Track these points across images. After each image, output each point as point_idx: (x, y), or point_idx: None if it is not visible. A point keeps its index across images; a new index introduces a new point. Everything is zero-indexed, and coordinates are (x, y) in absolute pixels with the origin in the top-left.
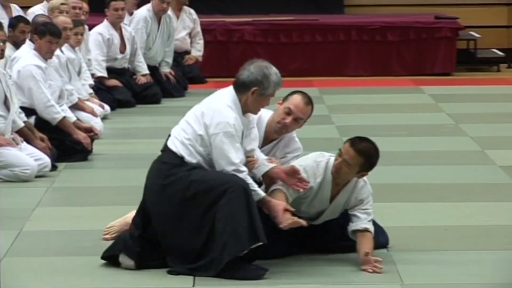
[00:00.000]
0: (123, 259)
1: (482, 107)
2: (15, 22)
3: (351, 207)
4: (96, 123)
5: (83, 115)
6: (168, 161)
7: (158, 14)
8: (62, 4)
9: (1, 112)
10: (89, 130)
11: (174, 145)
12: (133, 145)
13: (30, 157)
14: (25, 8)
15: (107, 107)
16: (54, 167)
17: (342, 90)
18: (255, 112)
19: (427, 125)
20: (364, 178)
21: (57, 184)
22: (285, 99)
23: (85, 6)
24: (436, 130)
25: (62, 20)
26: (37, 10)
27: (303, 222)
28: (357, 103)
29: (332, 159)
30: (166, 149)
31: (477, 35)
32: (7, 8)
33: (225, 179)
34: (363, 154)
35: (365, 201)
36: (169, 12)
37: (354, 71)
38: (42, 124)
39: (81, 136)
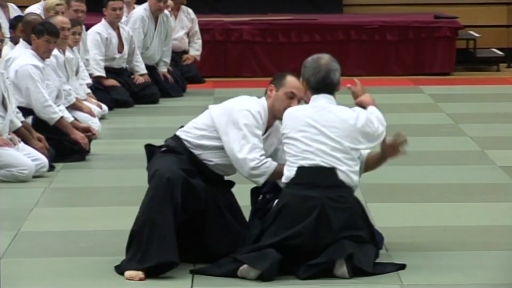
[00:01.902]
0: (249, 270)
1: (482, 107)
2: (14, 22)
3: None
4: (94, 123)
5: (81, 115)
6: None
7: (155, 14)
8: (57, 5)
9: None
10: (86, 130)
11: (349, 178)
12: (131, 145)
13: (28, 157)
14: (22, 7)
15: (105, 107)
16: (51, 168)
17: (341, 90)
18: None
19: (427, 125)
20: None
21: (55, 184)
22: (277, 85)
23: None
24: (436, 130)
25: (60, 20)
26: (34, 9)
27: None
28: None
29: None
30: (338, 185)
31: (477, 35)
32: (4, 8)
33: None
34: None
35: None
36: (166, 11)
37: (353, 71)
38: (40, 124)
39: (78, 136)
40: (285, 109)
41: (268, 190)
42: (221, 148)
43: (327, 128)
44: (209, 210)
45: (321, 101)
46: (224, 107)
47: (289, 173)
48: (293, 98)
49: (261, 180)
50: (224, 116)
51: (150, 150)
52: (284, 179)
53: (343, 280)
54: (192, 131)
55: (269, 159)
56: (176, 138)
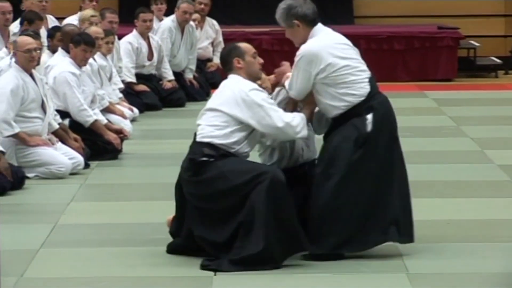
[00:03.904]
0: None
1: (481, 110)
2: (52, 32)
3: None
4: (126, 125)
5: (113, 118)
6: None
7: (182, 25)
8: (92, 16)
9: (39, 114)
10: (119, 132)
11: None
12: (160, 145)
13: (65, 156)
14: (60, 18)
15: (135, 110)
16: (86, 165)
17: None
18: None
19: (430, 127)
20: None
21: (90, 181)
22: (240, 55)
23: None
24: (439, 131)
25: (94, 30)
26: (71, 20)
27: None
28: None
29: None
30: None
31: (477, 44)
32: (43, 19)
33: None
34: None
35: None
36: (192, 23)
37: None
38: (76, 126)
39: (111, 137)
40: (259, 68)
41: None
42: (249, 135)
43: (352, 46)
44: None
45: (325, 28)
46: (228, 99)
47: (364, 90)
48: (256, 57)
49: (305, 132)
50: (237, 106)
51: (199, 163)
52: (359, 98)
53: (353, 270)
54: (216, 133)
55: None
56: (209, 145)
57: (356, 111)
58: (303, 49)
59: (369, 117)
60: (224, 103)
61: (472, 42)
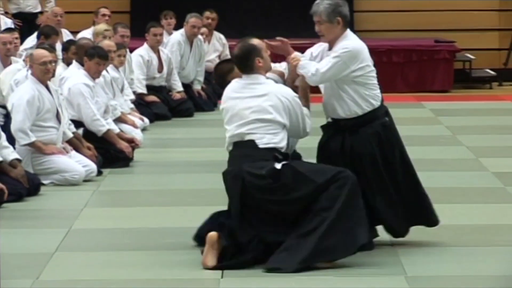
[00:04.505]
0: None
1: (476, 120)
2: (67, 45)
3: None
4: (137, 134)
5: (125, 127)
6: None
7: (190, 38)
8: (106, 30)
9: (54, 124)
10: (130, 140)
11: None
12: (169, 154)
13: (79, 163)
14: (74, 32)
15: (146, 120)
16: (99, 173)
17: None
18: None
19: (428, 136)
20: None
21: (102, 187)
22: (258, 54)
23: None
24: (436, 140)
25: (107, 43)
26: (86, 34)
27: None
28: None
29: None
30: None
31: (472, 57)
32: (58, 33)
33: None
34: None
35: None
36: (200, 36)
37: None
38: (90, 135)
39: (123, 145)
40: (287, 61)
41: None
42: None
43: None
44: None
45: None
46: (279, 110)
47: (380, 96)
48: (267, 51)
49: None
50: (285, 114)
51: (278, 169)
52: (378, 102)
53: (353, 272)
54: (276, 139)
55: None
56: (276, 150)
57: (374, 115)
58: (350, 44)
59: (387, 119)
60: (278, 115)
61: (468, 55)
